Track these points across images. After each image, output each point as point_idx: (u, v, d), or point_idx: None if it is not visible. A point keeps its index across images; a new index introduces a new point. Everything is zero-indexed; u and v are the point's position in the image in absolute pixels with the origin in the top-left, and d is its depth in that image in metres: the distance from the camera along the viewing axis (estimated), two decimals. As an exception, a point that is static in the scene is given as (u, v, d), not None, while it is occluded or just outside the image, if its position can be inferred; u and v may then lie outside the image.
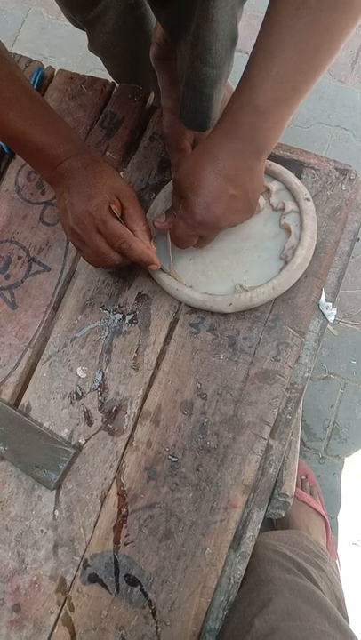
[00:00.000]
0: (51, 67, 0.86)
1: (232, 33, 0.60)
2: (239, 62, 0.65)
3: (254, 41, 0.54)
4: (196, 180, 0.60)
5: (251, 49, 0.55)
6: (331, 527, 1.12)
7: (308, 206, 0.68)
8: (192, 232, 0.64)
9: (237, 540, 0.63)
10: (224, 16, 0.57)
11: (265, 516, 0.65)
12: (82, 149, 0.65)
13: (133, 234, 0.65)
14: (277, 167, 0.71)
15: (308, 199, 0.68)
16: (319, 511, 1.11)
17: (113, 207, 0.63)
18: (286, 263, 0.67)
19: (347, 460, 1.22)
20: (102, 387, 0.69)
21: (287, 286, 0.67)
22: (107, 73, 1.07)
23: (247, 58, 0.55)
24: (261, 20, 0.53)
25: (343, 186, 0.72)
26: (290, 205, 0.69)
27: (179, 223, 0.64)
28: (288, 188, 0.70)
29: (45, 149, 0.64)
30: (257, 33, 0.53)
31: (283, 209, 0.69)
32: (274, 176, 0.72)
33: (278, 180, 0.71)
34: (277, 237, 0.70)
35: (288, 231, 0.68)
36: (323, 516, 1.11)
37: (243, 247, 0.70)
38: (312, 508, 1.11)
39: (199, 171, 0.60)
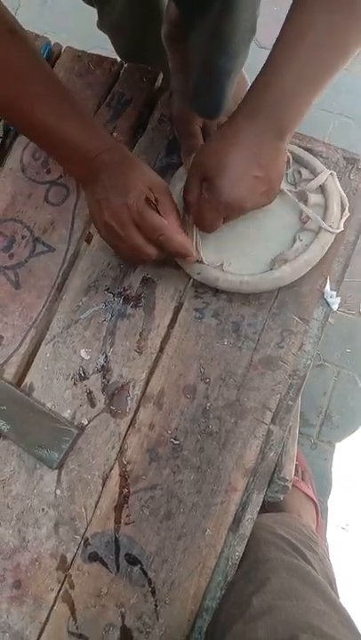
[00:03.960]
0: (58, 43, 0.84)
1: (252, 25, 0.60)
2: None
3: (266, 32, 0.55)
4: (220, 161, 0.59)
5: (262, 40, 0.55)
6: (321, 512, 1.14)
7: (326, 176, 0.68)
8: (218, 215, 0.63)
9: (237, 522, 0.64)
10: (246, 7, 0.57)
11: (264, 499, 0.66)
12: (114, 144, 0.64)
13: None
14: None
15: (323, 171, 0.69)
16: (310, 496, 1.13)
17: (150, 198, 0.61)
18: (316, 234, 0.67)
19: (338, 446, 1.24)
20: (105, 369, 0.70)
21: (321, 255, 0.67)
22: (109, 52, 1.05)
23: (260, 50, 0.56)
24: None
25: (351, 175, 0.72)
26: (305, 174, 0.69)
27: (204, 206, 0.62)
28: (297, 160, 0.70)
29: (80, 144, 0.62)
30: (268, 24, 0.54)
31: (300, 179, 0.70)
32: None
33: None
34: (295, 210, 0.70)
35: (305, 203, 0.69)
36: (313, 501, 1.13)
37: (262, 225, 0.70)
38: (303, 492, 1.13)
39: (223, 151, 0.59)
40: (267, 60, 0.56)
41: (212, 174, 0.60)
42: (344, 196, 0.68)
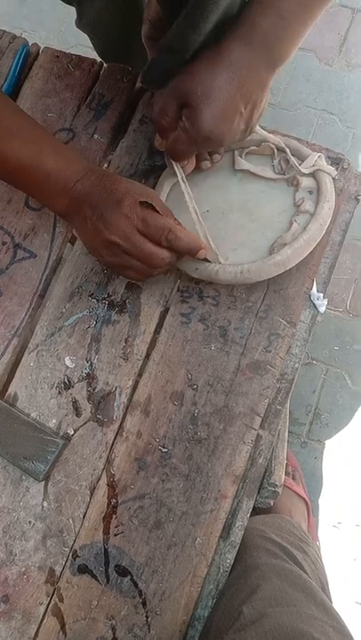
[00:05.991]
0: (36, 44, 0.82)
1: (233, 7, 0.58)
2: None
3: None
4: (207, 88, 0.55)
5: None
6: (312, 510, 1.14)
7: (315, 158, 0.67)
8: (193, 147, 0.60)
9: (227, 529, 0.63)
10: None
11: (254, 505, 0.65)
12: (89, 167, 0.62)
13: None
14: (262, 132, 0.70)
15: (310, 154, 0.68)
16: (301, 495, 1.12)
17: (145, 201, 0.59)
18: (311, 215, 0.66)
19: (328, 443, 1.25)
20: (91, 377, 0.68)
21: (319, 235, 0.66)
22: (89, 50, 1.03)
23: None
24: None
25: (336, 175, 0.71)
26: (292, 161, 0.68)
27: (180, 136, 0.59)
28: (282, 150, 0.69)
29: (56, 174, 0.60)
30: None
31: (287, 166, 0.69)
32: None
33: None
34: (288, 195, 0.68)
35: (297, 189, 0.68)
36: (305, 500, 1.13)
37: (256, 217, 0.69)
38: (294, 491, 1.12)
39: (212, 78, 0.55)
40: None
41: (195, 102, 0.56)
42: (333, 169, 0.68)
